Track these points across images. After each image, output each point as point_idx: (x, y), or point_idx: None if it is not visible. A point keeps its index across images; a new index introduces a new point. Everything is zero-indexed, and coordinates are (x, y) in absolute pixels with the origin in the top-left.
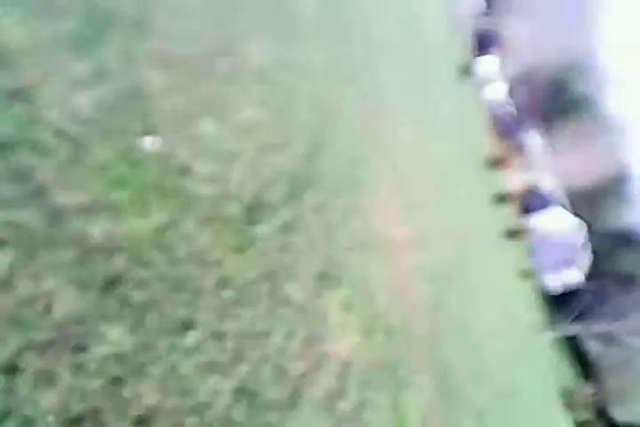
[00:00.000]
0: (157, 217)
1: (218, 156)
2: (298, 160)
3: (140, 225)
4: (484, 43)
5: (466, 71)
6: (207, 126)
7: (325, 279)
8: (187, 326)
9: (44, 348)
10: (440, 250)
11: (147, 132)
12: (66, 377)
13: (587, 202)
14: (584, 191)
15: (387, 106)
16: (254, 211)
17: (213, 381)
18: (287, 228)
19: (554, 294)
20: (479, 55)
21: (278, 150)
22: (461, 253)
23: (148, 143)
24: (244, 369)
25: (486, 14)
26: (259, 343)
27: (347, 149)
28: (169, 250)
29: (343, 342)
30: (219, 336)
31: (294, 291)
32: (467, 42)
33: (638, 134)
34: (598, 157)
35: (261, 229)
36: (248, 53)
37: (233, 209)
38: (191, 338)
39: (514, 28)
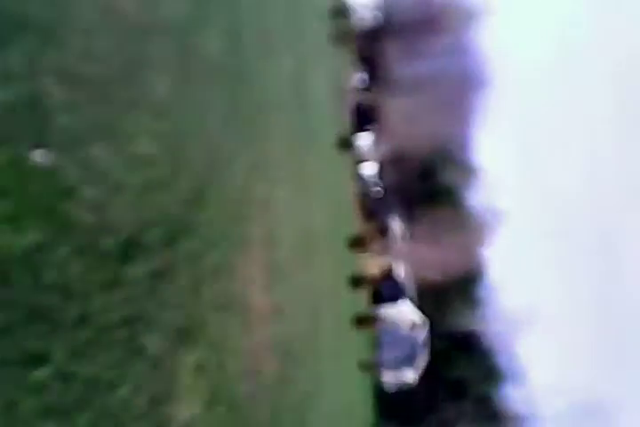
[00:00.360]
0: (32, 236)
1: (105, 183)
2: (180, 203)
3: (12, 242)
4: (363, 118)
5: (344, 144)
6: (100, 151)
7: (184, 336)
8: (39, 360)
9: None
10: (294, 326)
11: (39, 145)
12: None
13: (434, 297)
14: (434, 286)
15: (270, 162)
16: (129, 249)
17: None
18: (157, 274)
19: (388, 391)
20: (358, 130)
21: (163, 189)
22: (313, 332)
23: (39, 156)
24: (82, 421)
25: (367, 90)
26: (104, 394)
27: (227, 202)
28: (35, 275)
29: (187, 408)
30: (67, 377)
31: (151, 343)
32: (347, 115)
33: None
34: (454, 252)
35: (132, 271)
36: (149, 84)
37: (109, 243)
38: (41, 373)
39: (392, 106)
